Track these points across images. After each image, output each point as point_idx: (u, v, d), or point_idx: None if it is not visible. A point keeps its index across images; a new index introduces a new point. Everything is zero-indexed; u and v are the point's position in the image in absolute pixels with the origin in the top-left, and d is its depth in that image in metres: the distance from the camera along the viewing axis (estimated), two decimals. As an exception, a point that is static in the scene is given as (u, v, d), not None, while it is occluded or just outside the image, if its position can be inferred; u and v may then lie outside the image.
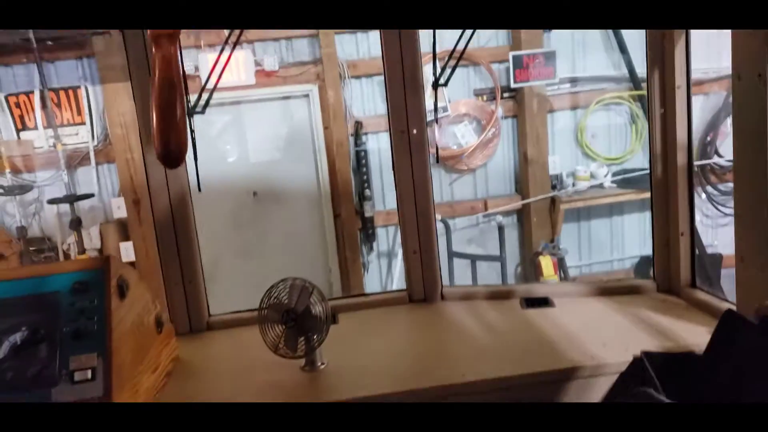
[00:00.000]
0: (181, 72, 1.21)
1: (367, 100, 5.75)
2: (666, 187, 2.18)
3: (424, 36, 2.52)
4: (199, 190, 2.41)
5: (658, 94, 2.21)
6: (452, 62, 2.66)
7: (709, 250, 5.64)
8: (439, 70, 2.74)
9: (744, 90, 1.73)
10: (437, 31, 2.40)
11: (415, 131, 2.46)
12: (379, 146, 5.74)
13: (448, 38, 2.63)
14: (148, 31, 1.17)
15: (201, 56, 5.25)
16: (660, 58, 2.21)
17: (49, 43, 5.15)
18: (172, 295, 2.40)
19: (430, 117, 2.69)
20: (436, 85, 2.68)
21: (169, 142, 1.26)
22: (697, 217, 5.90)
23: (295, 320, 1.84)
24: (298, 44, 5.60)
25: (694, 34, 2.16)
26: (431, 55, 2.37)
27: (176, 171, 2.36)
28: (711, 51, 5.32)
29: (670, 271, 2.21)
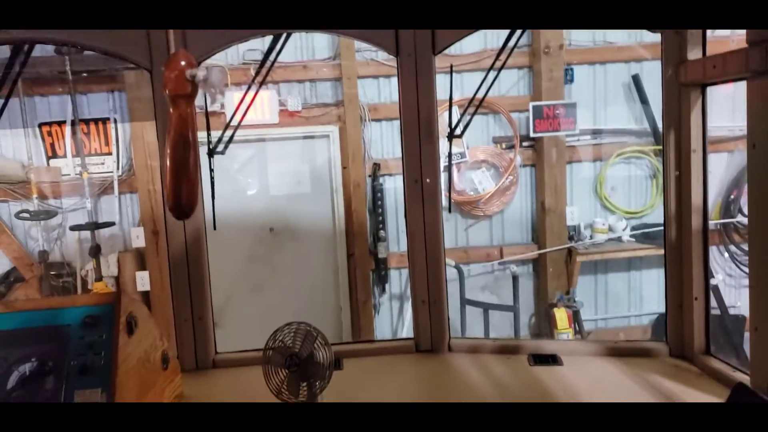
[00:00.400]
0: (196, 131, 1.26)
1: (386, 142, 5.82)
2: (680, 249, 2.16)
3: (443, 83, 2.57)
4: (214, 228, 2.46)
5: (674, 156, 2.22)
6: (471, 109, 2.71)
7: (732, 311, 5.50)
8: (456, 119, 2.79)
9: (759, 158, 1.73)
10: (458, 76, 2.46)
11: (428, 180, 2.49)
12: (395, 188, 5.79)
13: (468, 86, 2.68)
14: (166, 91, 1.21)
15: (227, 94, 5.40)
16: (676, 120, 2.23)
17: (84, 74, 5.35)
18: (181, 331, 2.42)
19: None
20: (451, 136, 2.72)
21: (181, 198, 1.31)
22: (720, 276, 5.81)
23: (298, 365, 1.83)
24: (322, 86, 5.74)
25: (719, 92, 2.18)
26: (455, 101, 2.41)
27: (193, 209, 2.40)
28: (736, 108, 5.32)
29: (683, 335, 2.17)
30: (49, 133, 5.50)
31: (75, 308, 1.73)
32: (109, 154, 5.56)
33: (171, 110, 1.24)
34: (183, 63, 1.20)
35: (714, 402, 1.55)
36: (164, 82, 1.24)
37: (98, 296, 1.86)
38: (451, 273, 5.46)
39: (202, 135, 2.56)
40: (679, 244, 2.16)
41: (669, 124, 2.23)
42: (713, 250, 5.93)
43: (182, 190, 1.29)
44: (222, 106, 5.41)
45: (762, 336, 1.64)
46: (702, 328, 2.11)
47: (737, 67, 1.87)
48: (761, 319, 1.65)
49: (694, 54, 2.19)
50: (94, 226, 5.33)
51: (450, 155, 2.71)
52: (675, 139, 2.22)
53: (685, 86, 2.19)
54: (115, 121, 5.55)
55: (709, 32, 2.26)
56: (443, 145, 3.01)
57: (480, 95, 2.99)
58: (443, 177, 2.58)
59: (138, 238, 5.57)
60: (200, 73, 1.18)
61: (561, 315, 5.23)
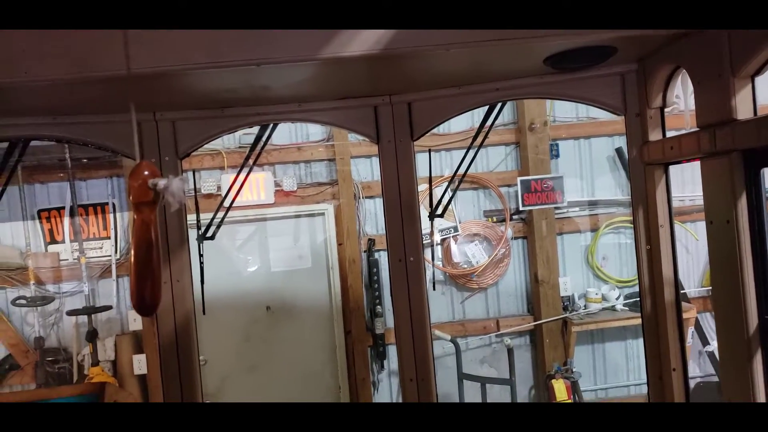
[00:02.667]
0: (159, 233, 1.36)
1: (380, 218, 5.95)
2: (656, 322, 2.21)
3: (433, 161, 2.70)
4: (204, 312, 2.52)
5: (644, 231, 2.31)
6: (454, 186, 2.82)
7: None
8: (442, 196, 2.91)
9: (716, 233, 1.82)
10: (447, 153, 2.59)
11: (412, 259, 2.57)
12: (391, 263, 5.86)
13: (457, 162, 2.80)
14: (130, 197, 1.32)
15: (224, 177, 5.59)
16: (643, 197, 2.34)
17: (84, 161, 5.53)
18: (169, 418, 2.42)
19: (443, 236, 2.74)
20: (432, 215, 2.84)
21: (144, 297, 1.39)
22: (714, 343, 5.77)
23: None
24: (317, 166, 5.94)
25: (695, 165, 2.28)
26: (440, 179, 2.54)
27: (182, 293, 2.48)
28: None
29: (665, 408, 2.18)
30: (48, 219, 5.63)
31: (61, 400, 1.75)
32: (108, 238, 5.67)
33: (135, 216, 1.34)
34: (146, 173, 1.31)
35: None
36: (128, 190, 1.35)
37: (84, 386, 1.90)
38: (448, 347, 5.44)
39: (192, 219, 2.70)
40: (654, 317, 2.22)
41: (637, 201, 2.34)
42: (707, 317, 5.93)
43: (146, 289, 1.37)
44: (218, 188, 5.59)
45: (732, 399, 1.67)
46: (682, 399, 2.13)
47: (691, 149, 2.00)
48: (732, 391, 1.69)
49: (654, 135, 2.33)
50: (92, 310, 5.36)
51: (432, 233, 2.81)
52: (644, 215, 2.32)
53: (648, 165, 2.31)
54: (114, 206, 5.70)
55: (667, 110, 2.41)
56: (429, 222, 3.12)
57: (461, 172, 3.13)
58: (432, 252, 2.66)
59: (135, 321, 5.58)
60: (161, 182, 1.28)
61: (559, 386, 5.17)
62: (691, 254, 5.84)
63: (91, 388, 1.76)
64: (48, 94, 2.02)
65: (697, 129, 1.98)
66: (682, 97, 3.60)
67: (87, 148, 5.27)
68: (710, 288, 5.80)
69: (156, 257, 1.33)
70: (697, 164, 2.26)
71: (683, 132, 2.13)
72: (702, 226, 6.01)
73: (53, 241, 5.66)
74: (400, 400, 5.80)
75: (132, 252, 1.32)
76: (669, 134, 2.31)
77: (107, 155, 5.48)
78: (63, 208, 5.62)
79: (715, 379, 5.35)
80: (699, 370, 5.87)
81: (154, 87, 2.01)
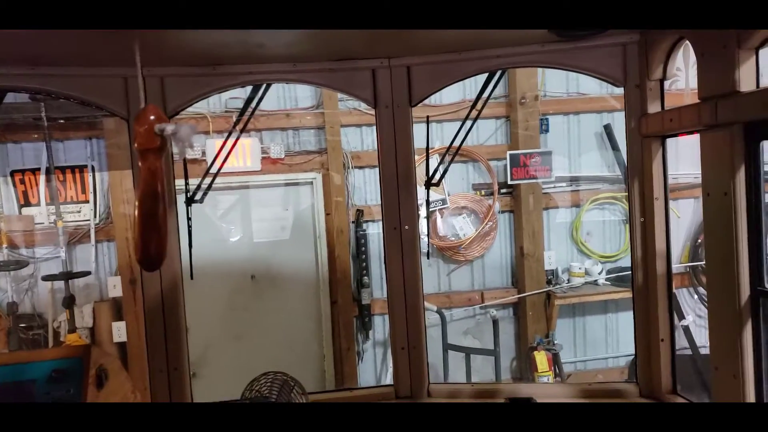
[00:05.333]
0: (165, 183, 1.30)
1: (370, 188, 5.91)
2: (646, 293, 2.23)
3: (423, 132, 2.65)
4: (191, 278, 2.47)
5: (638, 203, 2.32)
6: (449, 157, 2.79)
7: (703, 351, 5.56)
8: (433, 168, 2.88)
9: (712, 206, 1.82)
10: (438, 126, 2.56)
11: (407, 227, 2.55)
12: (379, 234, 5.84)
13: (448, 135, 2.77)
14: (135, 144, 1.25)
15: (209, 142, 5.47)
16: (639, 169, 2.33)
17: (61, 121, 5.29)
18: (156, 383, 2.39)
19: (431, 208, 2.70)
20: (428, 184, 2.81)
21: (150, 250, 1.33)
22: (690, 317, 5.90)
23: (274, 415, 1.83)
24: (305, 134, 5.85)
25: (685, 141, 2.28)
26: (433, 150, 2.51)
27: (169, 258, 2.42)
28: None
29: (651, 376, 2.21)
30: (22, 181, 5.42)
31: (41, 363, 1.70)
32: (86, 202, 5.52)
33: (140, 164, 1.27)
34: (152, 117, 1.24)
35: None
36: (134, 136, 1.28)
37: (66, 349, 1.85)
38: (434, 318, 5.48)
39: (180, 183, 2.63)
40: (645, 288, 2.24)
41: (633, 173, 2.33)
42: (683, 292, 6.04)
43: (151, 243, 1.32)
44: (203, 153, 5.47)
45: (722, 375, 1.70)
46: (669, 369, 2.16)
47: (691, 121, 1.99)
48: (721, 359, 1.71)
49: (653, 108, 2.32)
50: (69, 275, 5.23)
51: (428, 202, 2.78)
52: (639, 188, 2.32)
53: (646, 138, 2.31)
54: (93, 169, 5.53)
55: (666, 85, 2.40)
56: (422, 192, 3.09)
57: (457, 143, 3.10)
58: (424, 223, 2.64)
59: (115, 288, 5.48)
60: (169, 127, 1.21)
61: (541, 358, 5.25)
62: (671, 231, 5.91)
63: (74, 351, 1.72)
64: (26, 41, 1.88)
65: (698, 102, 1.97)
66: (683, 70, 3.58)
67: (64, 106, 5.14)
68: (688, 265, 5.91)
69: (163, 208, 1.28)
70: (683, 141, 2.27)
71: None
72: (684, 203, 6.11)
73: (27, 204, 5.45)
74: (386, 370, 5.87)
75: (137, 202, 1.26)
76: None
77: (86, 115, 5.28)
78: (38, 169, 5.41)
79: (689, 352, 5.48)
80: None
81: (143, 40, 1.92)
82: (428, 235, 5.57)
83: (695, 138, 2.00)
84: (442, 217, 5.86)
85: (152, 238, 1.30)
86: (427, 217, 5.34)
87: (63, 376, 1.68)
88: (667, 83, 2.38)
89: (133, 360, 5.34)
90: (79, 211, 5.53)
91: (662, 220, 2.25)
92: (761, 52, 1.84)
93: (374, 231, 5.87)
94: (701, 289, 5.97)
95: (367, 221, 5.84)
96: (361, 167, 5.85)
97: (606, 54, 2.31)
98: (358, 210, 5.82)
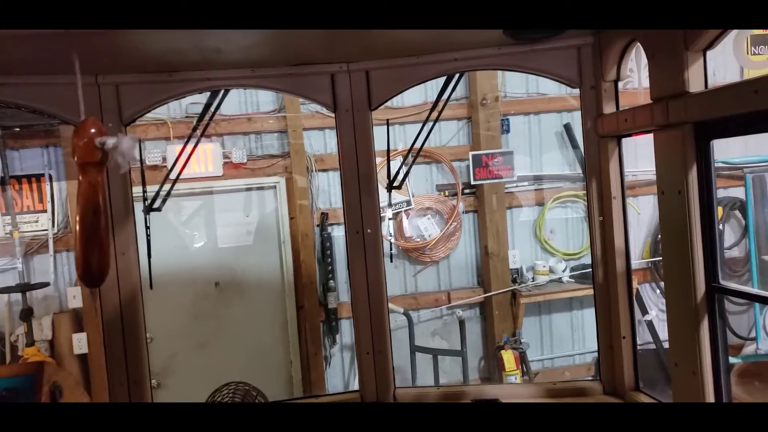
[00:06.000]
0: (107, 197, 1.26)
1: (334, 191, 5.88)
2: (607, 291, 2.27)
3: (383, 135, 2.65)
4: (151, 287, 2.41)
5: (597, 203, 2.36)
6: (411, 159, 2.79)
7: (667, 345, 5.71)
8: (394, 172, 2.88)
9: (667, 204, 1.86)
10: (400, 127, 2.56)
11: (369, 231, 2.54)
12: (344, 237, 5.82)
13: (411, 136, 2.77)
14: (75, 158, 1.21)
15: (169, 148, 5.37)
16: (597, 169, 2.38)
17: (17, 129, 5.15)
18: (116, 396, 2.33)
19: (396, 209, 2.73)
20: (390, 187, 2.81)
21: (91, 266, 1.28)
22: (654, 312, 6.05)
23: (238, 426, 1.80)
24: (268, 138, 5.78)
25: (645, 139, 2.33)
26: (395, 152, 2.50)
27: (128, 268, 2.36)
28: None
29: (614, 373, 2.26)
30: (-26, 192, 5.26)
31: (-4, 380, 1.64)
32: (44, 211, 5.36)
33: (80, 177, 1.23)
34: (93, 130, 1.20)
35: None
36: (73, 149, 1.23)
37: (18, 367, 1.79)
38: (401, 320, 5.48)
39: (138, 191, 2.56)
40: (606, 286, 2.28)
41: (591, 173, 2.38)
42: (646, 287, 6.20)
43: (92, 258, 1.27)
44: (164, 159, 5.36)
45: (682, 372, 1.74)
46: (631, 366, 2.21)
47: (645, 121, 2.03)
48: (680, 355, 1.75)
49: (609, 108, 2.37)
50: (26, 287, 5.06)
51: (390, 205, 2.78)
52: (597, 187, 2.37)
53: (602, 138, 2.35)
54: (51, 177, 5.37)
55: (620, 85, 2.45)
56: (385, 195, 3.09)
57: (419, 145, 3.11)
58: (388, 226, 2.64)
59: (75, 298, 5.32)
60: (110, 141, 1.17)
61: (508, 357, 5.30)
62: (632, 227, 6.06)
63: (28, 369, 1.66)
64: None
65: (651, 102, 2.01)
66: (636, 71, 3.67)
67: (19, 114, 4.99)
68: (649, 260, 6.07)
69: (104, 222, 1.24)
70: (641, 139, 2.32)
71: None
72: (644, 200, 6.25)
73: (-19, 215, 5.29)
74: (353, 375, 5.85)
75: (77, 217, 1.22)
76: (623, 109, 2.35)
77: (42, 123, 5.15)
78: (-9, 179, 5.25)
79: (653, 347, 5.62)
80: (638, 338, 6.15)
81: (96, 45, 1.87)
82: (393, 236, 5.58)
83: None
84: (408, 218, 5.87)
85: (93, 254, 1.26)
86: (392, 219, 5.35)
87: (14, 395, 1.62)
88: (621, 83, 2.43)
89: (95, 372, 5.18)
90: (36, 221, 5.35)
91: (620, 218, 2.29)
92: (711, 53, 1.90)
93: (339, 234, 5.84)
94: (663, 284, 6.13)
95: (332, 224, 5.81)
96: (325, 170, 5.81)
97: (561, 56, 2.35)
98: (322, 213, 5.79)
